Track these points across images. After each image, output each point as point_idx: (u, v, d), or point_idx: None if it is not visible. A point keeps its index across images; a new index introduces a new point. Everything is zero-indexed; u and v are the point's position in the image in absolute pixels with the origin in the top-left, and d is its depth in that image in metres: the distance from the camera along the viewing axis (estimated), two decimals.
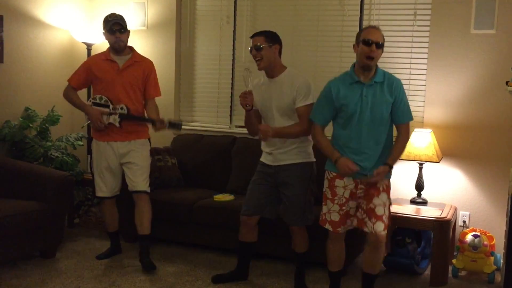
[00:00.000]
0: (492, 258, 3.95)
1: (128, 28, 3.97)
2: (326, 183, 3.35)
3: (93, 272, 3.87)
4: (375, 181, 3.18)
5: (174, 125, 3.90)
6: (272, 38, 3.49)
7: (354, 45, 3.23)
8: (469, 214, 4.28)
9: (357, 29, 4.56)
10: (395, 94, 3.20)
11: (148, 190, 4.00)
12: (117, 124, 3.87)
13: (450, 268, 3.98)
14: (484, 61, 4.16)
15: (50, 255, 4.10)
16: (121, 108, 3.87)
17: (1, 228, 3.60)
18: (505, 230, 3.68)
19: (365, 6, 4.53)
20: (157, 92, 4.09)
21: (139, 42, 5.19)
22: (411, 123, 3.33)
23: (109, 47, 3.99)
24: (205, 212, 4.22)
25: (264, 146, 3.65)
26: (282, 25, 4.78)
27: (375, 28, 3.23)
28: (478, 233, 3.96)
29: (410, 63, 4.42)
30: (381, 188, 3.21)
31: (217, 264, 4.02)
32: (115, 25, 3.86)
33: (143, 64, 4.02)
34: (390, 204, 3.30)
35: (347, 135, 3.23)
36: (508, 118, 4.05)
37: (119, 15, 3.94)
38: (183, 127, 3.97)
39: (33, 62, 4.89)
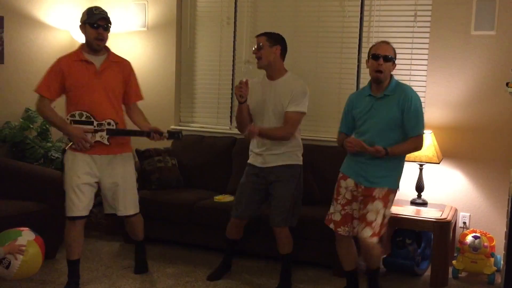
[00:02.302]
0: (492, 260, 3.95)
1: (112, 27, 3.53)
2: (336, 184, 3.44)
3: (93, 273, 3.87)
4: (367, 150, 3.20)
5: (174, 134, 3.52)
6: (274, 39, 3.54)
7: (366, 60, 3.39)
8: (469, 215, 4.27)
9: (357, 30, 4.57)
10: (402, 107, 3.25)
11: (138, 209, 3.68)
12: (105, 142, 3.42)
13: (450, 269, 3.98)
14: (484, 62, 4.15)
15: (50, 256, 4.09)
16: (109, 124, 3.42)
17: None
18: (505, 231, 3.68)
19: (366, 7, 4.53)
20: (140, 95, 3.67)
21: (140, 43, 5.20)
22: None
23: (81, 46, 3.51)
24: (205, 213, 4.22)
25: (254, 147, 3.66)
26: (283, 26, 4.78)
27: (384, 42, 3.37)
28: (478, 234, 3.96)
29: (411, 64, 4.42)
30: (376, 196, 3.27)
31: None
32: (101, 20, 3.38)
33: (122, 65, 3.56)
34: (386, 216, 3.30)
35: None
36: (509, 119, 4.05)
37: (105, 10, 3.47)
38: (182, 129, 3.85)
39: (34, 62, 4.88)
